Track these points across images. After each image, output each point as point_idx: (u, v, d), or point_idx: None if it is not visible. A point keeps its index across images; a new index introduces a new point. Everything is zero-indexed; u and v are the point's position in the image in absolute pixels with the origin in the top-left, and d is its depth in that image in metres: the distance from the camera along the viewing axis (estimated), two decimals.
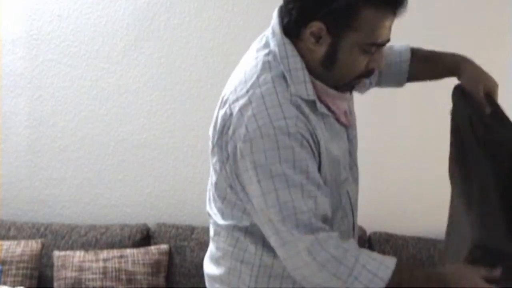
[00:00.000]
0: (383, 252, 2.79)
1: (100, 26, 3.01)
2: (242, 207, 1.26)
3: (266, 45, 1.24)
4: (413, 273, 1.22)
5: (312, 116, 1.20)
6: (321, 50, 1.18)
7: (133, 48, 3.01)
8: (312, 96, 1.20)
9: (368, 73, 1.23)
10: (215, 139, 1.25)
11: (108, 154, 3.04)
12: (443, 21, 2.94)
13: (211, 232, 1.39)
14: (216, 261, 1.37)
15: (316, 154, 1.21)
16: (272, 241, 1.21)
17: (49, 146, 3.05)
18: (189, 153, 3.02)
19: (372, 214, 2.96)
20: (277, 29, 1.21)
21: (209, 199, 1.37)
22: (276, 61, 1.20)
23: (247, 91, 1.19)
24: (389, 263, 1.18)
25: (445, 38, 2.96)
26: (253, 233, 1.27)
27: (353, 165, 1.38)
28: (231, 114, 1.20)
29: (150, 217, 3.04)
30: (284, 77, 1.19)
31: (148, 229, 2.91)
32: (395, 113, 2.93)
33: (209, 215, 1.38)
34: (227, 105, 1.22)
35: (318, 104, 1.22)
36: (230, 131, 1.19)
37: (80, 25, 3.02)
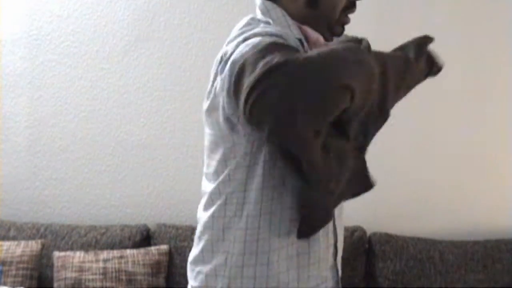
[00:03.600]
0: (383, 252, 2.79)
1: (100, 27, 3.02)
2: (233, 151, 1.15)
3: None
4: None
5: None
6: None
7: (133, 48, 3.01)
8: (298, 35, 1.21)
9: (352, 4, 1.26)
10: (212, 75, 1.18)
11: (108, 154, 3.04)
12: (443, 21, 2.94)
13: (201, 208, 1.29)
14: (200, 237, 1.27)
15: None
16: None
17: (49, 147, 3.05)
18: (189, 153, 3.02)
19: (372, 214, 2.96)
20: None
21: (207, 165, 1.26)
22: (258, 19, 1.26)
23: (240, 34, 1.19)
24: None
25: (446, 38, 2.97)
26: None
27: None
28: (226, 48, 1.17)
29: (150, 217, 3.04)
30: (270, 24, 1.23)
31: (148, 230, 2.91)
32: (395, 113, 2.93)
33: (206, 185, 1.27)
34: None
35: (306, 44, 1.21)
36: (228, 53, 1.14)
37: (80, 26, 3.02)
